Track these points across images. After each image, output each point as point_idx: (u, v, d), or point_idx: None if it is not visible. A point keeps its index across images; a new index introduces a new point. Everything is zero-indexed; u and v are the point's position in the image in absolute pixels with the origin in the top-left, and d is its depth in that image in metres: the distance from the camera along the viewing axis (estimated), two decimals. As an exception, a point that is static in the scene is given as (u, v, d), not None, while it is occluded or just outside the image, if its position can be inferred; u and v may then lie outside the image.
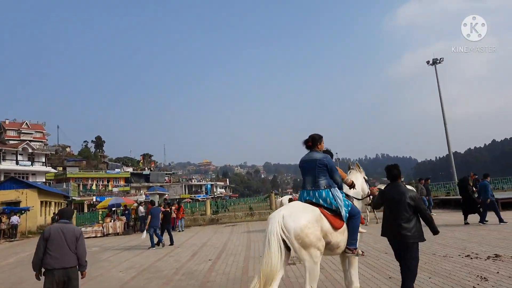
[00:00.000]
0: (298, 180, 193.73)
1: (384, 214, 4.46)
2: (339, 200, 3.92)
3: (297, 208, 3.78)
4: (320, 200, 3.92)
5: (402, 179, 4.97)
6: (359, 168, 5.13)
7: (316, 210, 3.77)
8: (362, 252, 4.26)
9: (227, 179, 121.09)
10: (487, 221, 11.55)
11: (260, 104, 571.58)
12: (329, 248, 3.84)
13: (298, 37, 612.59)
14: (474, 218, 12.06)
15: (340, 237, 3.89)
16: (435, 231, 4.20)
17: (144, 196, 51.57)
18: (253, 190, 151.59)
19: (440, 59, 26.10)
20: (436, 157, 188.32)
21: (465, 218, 12.05)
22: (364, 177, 5.05)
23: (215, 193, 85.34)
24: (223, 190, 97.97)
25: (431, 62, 26.35)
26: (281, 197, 18.61)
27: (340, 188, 4.13)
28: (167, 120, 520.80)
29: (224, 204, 28.99)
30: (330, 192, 3.94)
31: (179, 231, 18.95)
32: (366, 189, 4.95)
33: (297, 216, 3.59)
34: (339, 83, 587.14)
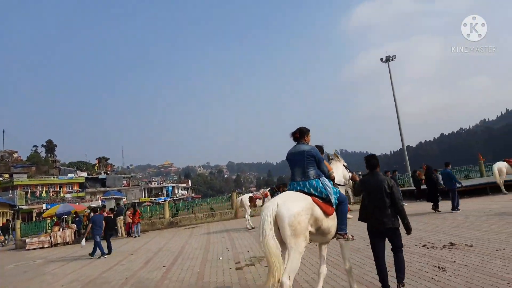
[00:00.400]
0: (261, 178, 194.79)
1: (363, 201, 4.63)
2: (328, 188, 4.09)
3: (290, 196, 3.90)
4: (311, 189, 4.04)
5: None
6: (338, 157, 5.50)
7: (308, 198, 3.89)
8: (352, 236, 4.47)
9: (189, 180, 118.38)
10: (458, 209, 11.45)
11: (222, 104, 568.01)
12: (320, 233, 3.99)
13: (259, 39, 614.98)
14: (427, 206, 12.41)
15: (331, 222, 4.07)
16: (408, 229, 4.38)
17: (100, 201, 48.96)
18: (216, 190, 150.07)
19: (393, 56, 27.42)
20: (390, 151, 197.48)
21: (437, 206, 11.95)
22: (344, 164, 5.39)
23: (177, 195, 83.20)
24: (185, 192, 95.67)
25: (384, 59, 27.53)
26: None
27: (327, 178, 4.29)
28: (125, 122, 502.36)
29: (187, 205, 28.07)
30: (320, 181, 4.10)
31: (135, 236, 17.94)
32: (348, 175, 5.28)
33: (291, 204, 3.69)
34: (298, 83, 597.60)
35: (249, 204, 14.68)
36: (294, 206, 3.67)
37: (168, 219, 21.61)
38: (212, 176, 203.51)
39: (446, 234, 7.86)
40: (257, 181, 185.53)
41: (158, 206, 28.78)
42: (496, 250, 5.84)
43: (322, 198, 4.01)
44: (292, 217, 3.58)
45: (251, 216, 15.19)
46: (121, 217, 19.15)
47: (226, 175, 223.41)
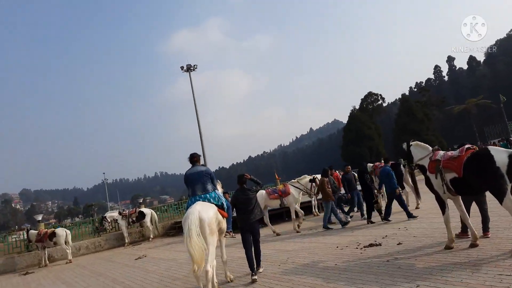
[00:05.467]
0: (65, 207, 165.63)
1: (237, 209, 6.41)
2: (222, 198, 5.69)
3: (205, 205, 5.25)
4: (211, 200, 5.45)
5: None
6: (219, 183, 6.86)
7: (215, 206, 5.37)
8: (234, 234, 6.17)
9: None
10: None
11: (13, 118, 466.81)
12: (220, 232, 5.52)
13: (80, 55, 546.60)
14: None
15: (225, 224, 5.65)
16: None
17: None
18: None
19: (194, 66, 26.55)
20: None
21: (370, 216, 9.65)
22: (222, 188, 7.52)
23: None
24: None
25: (185, 68, 26.31)
26: None
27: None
28: None
29: None
30: (216, 193, 5.62)
31: None
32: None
33: (207, 211, 5.11)
34: (116, 104, 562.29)
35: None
36: (210, 212, 5.11)
37: None
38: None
39: None
40: (60, 211, 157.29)
41: None
42: None
43: (218, 206, 5.46)
44: (209, 219, 4.98)
45: None
46: None
47: (18, 206, 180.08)
